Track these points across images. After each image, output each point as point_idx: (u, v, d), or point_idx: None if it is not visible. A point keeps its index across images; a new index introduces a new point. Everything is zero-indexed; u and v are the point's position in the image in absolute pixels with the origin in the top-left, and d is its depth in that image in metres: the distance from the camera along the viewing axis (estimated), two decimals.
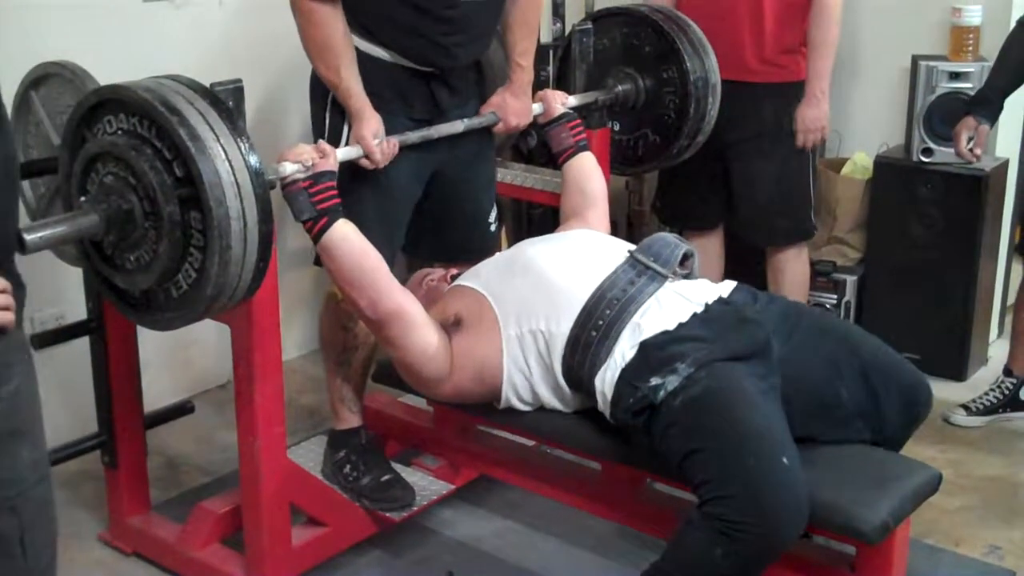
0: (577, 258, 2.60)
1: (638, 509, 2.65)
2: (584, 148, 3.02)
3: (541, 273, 2.55)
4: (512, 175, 3.51)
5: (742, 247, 3.91)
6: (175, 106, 2.18)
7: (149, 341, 3.05)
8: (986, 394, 3.73)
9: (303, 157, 2.47)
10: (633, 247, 2.58)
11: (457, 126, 2.86)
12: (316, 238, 2.49)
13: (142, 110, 2.21)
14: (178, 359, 3.82)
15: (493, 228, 3.11)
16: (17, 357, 1.78)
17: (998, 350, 4.10)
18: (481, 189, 3.06)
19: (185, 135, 2.16)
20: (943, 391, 3.89)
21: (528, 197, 3.63)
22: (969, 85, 3.81)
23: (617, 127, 3.48)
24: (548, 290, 2.50)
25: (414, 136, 2.77)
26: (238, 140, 2.21)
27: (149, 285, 2.31)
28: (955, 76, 3.88)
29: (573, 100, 3.17)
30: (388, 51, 2.74)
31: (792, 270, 3.82)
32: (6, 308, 1.73)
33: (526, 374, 2.51)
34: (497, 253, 2.84)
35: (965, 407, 3.73)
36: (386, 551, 3.03)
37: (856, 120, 4.28)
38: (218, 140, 2.19)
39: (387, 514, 2.93)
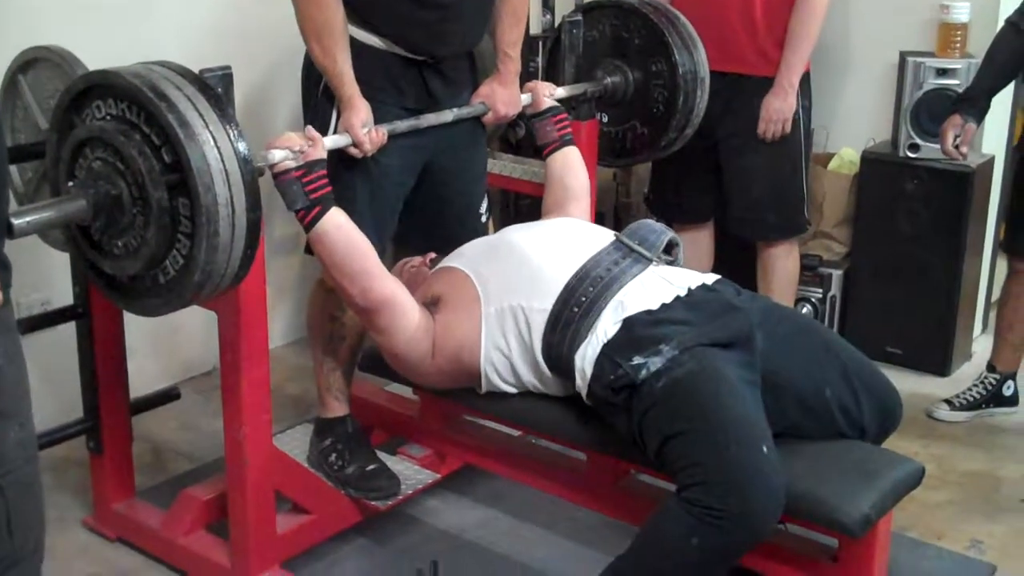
0: (561, 241, 2.62)
1: (623, 499, 2.67)
2: (568, 142, 3.03)
3: (524, 254, 2.57)
4: (500, 166, 3.51)
5: (732, 243, 3.92)
6: (164, 92, 2.18)
7: (135, 327, 3.05)
8: (969, 389, 3.75)
9: (292, 144, 2.47)
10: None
11: (446, 115, 2.86)
12: (308, 227, 2.48)
13: (131, 96, 2.20)
14: (164, 345, 3.81)
15: (484, 219, 3.11)
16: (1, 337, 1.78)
17: (982, 346, 4.12)
18: (473, 179, 3.07)
19: (174, 121, 2.15)
20: (926, 386, 3.92)
21: (516, 188, 3.64)
22: (956, 82, 3.83)
23: (606, 119, 3.49)
24: (530, 269, 2.52)
25: (403, 125, 2.77)
26: (227, 127, 2.21)
27: (136, 271, 2.30)
28: (942, 72, 3.89)
29: (562, 91, 3.17)
30: (382, 39, 2.74)
31: (782, 266, 3.81)
32: None
33: (504, 351, 2.51)
34: (483, 237, 2.85)
35: (948, 402, 3.74)
36: (371, 539, 3.04)
37: (843, 115, 4.29)
38: (207, 127, 2.18)
39: (372, 503, 2.94)
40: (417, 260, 2.82)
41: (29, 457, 1.83)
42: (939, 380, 3.99)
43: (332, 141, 2.63)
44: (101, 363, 2.90)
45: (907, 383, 3.82)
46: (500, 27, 2.96)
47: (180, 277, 2.27)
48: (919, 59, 3.93)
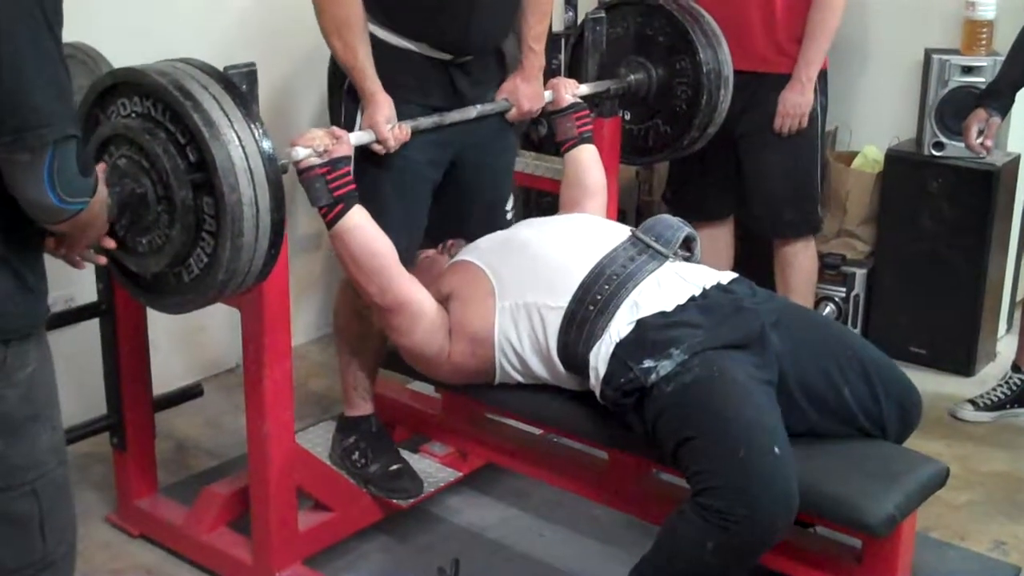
0: (577, 236, 2.61)
1: (645, 498, 2.66)
2: (587, 140, 3.02)
3: (540, 250, 2.57)
4: (522, 163, 3.50)
5: (752, 241, 3.90)
6: (189, 91, 2.18)
7: (158, 324, 3.06)
8: (994, 390, 3.73)
9: (315, 143, 2.47)
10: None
11: (470, 112, 2.86)
12: (330, 224, 2.49)
13: (156, 94, 2.20)
14: (188, 342, 3.82)
15: (509, 216, 3.11)
16: (36, 340, 1.78)
17: (1006, 346, 4.09)
18: (500, 176, 3.06)
19: (199, 120, 2.15)
20: (951, 386, 3.90)
21: (538, 185, 3.63)
22: (982, 79, 3.80)
23: (628, 116, 3.47)
24: (546, 266, 2.52)
25: (426, 121, 2.76)
26: (252, 125, 2.21)
27: (160, 269, 2.31)
28: (968, 70, 3.87)
29: (584, 88, 3.16)
30: (410, 40, 2.73)
31: (799, 263, 3.80)
32: None
33: (516, 346, 2.51)
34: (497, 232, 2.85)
35: (972, 402, 3.73)
36: (392, 537, 3.04)
37: (867, 113, 4.27)
38: (232, 126, 2.18)
39: (394, 500, 2.94)
40: (432, 252, 2.81)
41: (61, 460, 1.84)
42: (963, 380, 3.97)
43: (356, 138, 2.63)
44: (124, 360, 2.91)
45: (931, 383, 3.81)
46: (525, 22, 2.95)
47: (204, 276, 2.27)
48: (944, 57, 3.91)
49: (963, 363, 4.02)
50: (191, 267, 2.28)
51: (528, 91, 2.96)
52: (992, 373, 3.96)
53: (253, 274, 2.30)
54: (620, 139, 3.41)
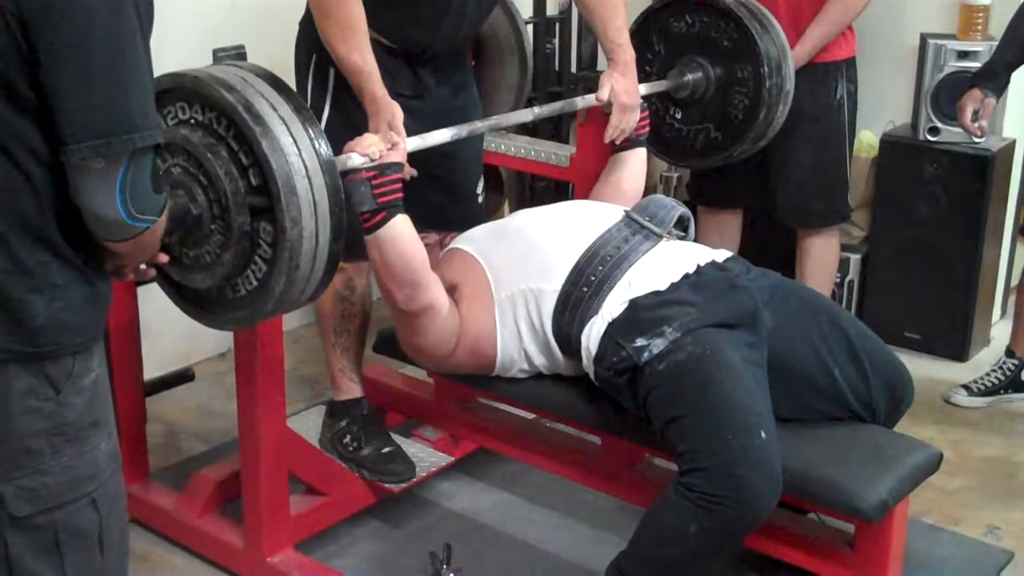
0: (571, 220, 2.60)
1: (637, 483, 2.66)
2: (641, 143, 2.94)
3: (533, 236, 2.55)
4: (516, 147, 3.48)
5: (767, 231, 3.87)
6: (259, 113, 2.02)
7: (150, 307, 3.05)
8: (988, 375, 3.73)
9: (371, 150, 2.34)
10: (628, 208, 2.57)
11: (576, 102, 2.83)
12: (370, 230, 2.37)
13: (221, 109, 2.05)
14: (179, 326, 3.78)
15: (480, 199, 3.08)
16: (98, 346, 1.74)
17: (1001, 331, 4.09)
18: (469, 160, 3.00)
19: (267, 148, 2.01)
20: (945, 371, 3.90)
21: (532, 170, 3.61)
22: (978, 64, 3.77)
23: (679, 116, 3.32)
24: (540, 250, 2.50)
25: (482, 125, 2.72)
26: (319, 151, 2.07)
27: (206, 287, 2.19)
28: (964, 55, 3.86)
29: (644, 89, 3.02)
30: (373, 31, 2.61)
31: (823, 253, 3.74)
32: None
33: (517, 338, 2.50)
34: (493, 221, 2.82)
35: (966, 387, 3.72)
36: (384, 521, 3.04)
37: (863, 98, 4.22)
38: (300, 154, 2.04)
39: (386, 485, 2.93)
40: (432, 238, 2.78)
41: (115, 467, 1.79)
42: (957, 365, 3.97)
43: (412, 144, 2.49)
44: (115, 344, 2.89)
45: (925, 368, 3.81)
46: (599, 20, 2.88)
47: (252, 299, 2.15)
48: (940, 41, 3.90)
49: (957, 348, 4.02)
50: (238, 287, 2.17)
51: (624, 84, 2.87)
52: (986, 358, 3.95)
53: (303, 301, 2.20)
54: None
